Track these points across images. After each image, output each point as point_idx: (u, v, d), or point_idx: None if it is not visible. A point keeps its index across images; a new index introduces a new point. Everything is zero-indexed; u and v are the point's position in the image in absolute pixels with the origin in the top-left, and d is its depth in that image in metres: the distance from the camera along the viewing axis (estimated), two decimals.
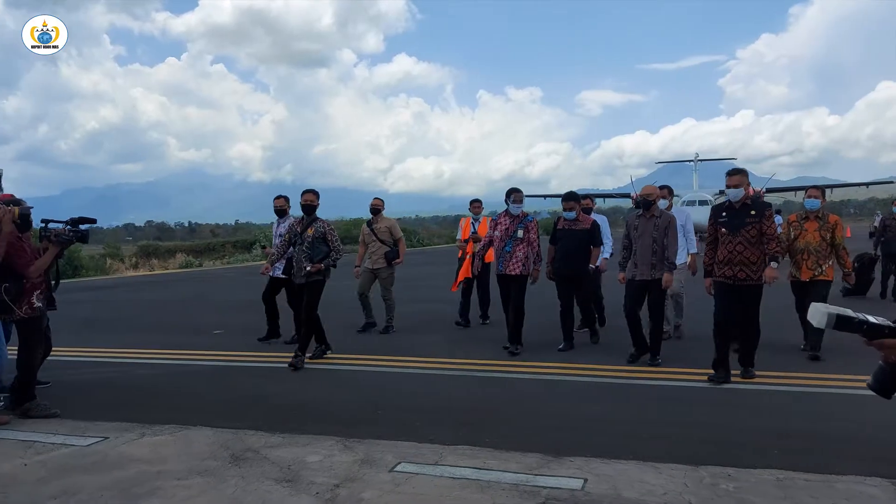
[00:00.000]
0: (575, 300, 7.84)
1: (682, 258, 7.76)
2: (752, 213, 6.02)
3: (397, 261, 9.25)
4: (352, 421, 5.00)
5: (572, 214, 7.82)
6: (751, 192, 6.33)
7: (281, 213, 8.81)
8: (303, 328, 7.20)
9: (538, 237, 7.66)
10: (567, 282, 7.73)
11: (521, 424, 4.84)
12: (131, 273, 27.66)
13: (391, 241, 9.27)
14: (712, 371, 5.97)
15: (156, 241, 41.59)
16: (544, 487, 3.63)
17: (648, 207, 6.88)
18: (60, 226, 5.46)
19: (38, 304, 5.30)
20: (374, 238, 9.25)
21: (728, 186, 6.18)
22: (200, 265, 30.90)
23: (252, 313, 10.85)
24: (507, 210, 7.73)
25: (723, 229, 6.13)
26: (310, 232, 7.18)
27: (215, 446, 4.51)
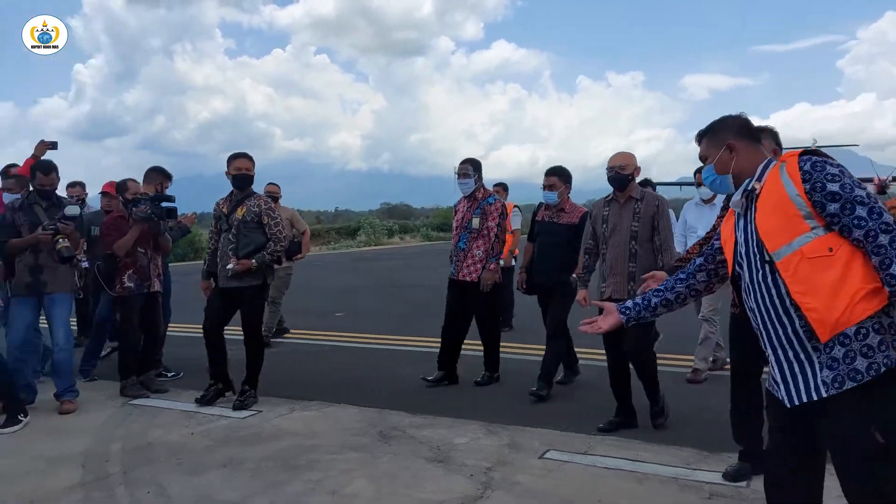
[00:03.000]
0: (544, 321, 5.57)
1: None
2: None
3: (299, 256, 7.53)
4: (488, 405, 5.04)
5: (553, 197, 5.36)
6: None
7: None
8: (247, 355, 5.24)
9: (502, 227, 5.68)
10: (540, 295, 5.60)
11: (672, 419, 4.74)
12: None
13: (292, 234, 7.37)
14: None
15: None
16: (706, 483, 3.53)
17: (623, 187, 4.56)
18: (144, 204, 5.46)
19: (129, 285, 5.50)
20: None
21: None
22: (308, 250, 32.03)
23: (368, 297, 11.17)
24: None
25: None
26: (240, 213, 5.17)
27: (363, 423, 4.65)
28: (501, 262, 6.02)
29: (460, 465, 3.86)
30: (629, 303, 2.55)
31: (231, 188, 5.26)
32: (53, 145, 5.97)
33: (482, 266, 5.55)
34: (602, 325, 2.56)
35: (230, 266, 5.02)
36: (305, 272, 17.39)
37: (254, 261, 5.05)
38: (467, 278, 5.59)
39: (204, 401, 5.09)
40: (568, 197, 5.45)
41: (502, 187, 8.43)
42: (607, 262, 4.57)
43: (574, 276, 5.05)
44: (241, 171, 5.19)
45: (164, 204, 5.62)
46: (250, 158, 5.30)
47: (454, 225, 5.87)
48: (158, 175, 5.98)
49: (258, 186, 5.68)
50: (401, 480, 3.65)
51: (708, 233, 4.01)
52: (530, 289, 5.57)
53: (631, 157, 4.63)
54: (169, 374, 6.12)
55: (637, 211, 4.52)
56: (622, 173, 4.49)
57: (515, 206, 8.53)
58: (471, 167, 5.70)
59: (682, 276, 2.53)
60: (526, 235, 5.86)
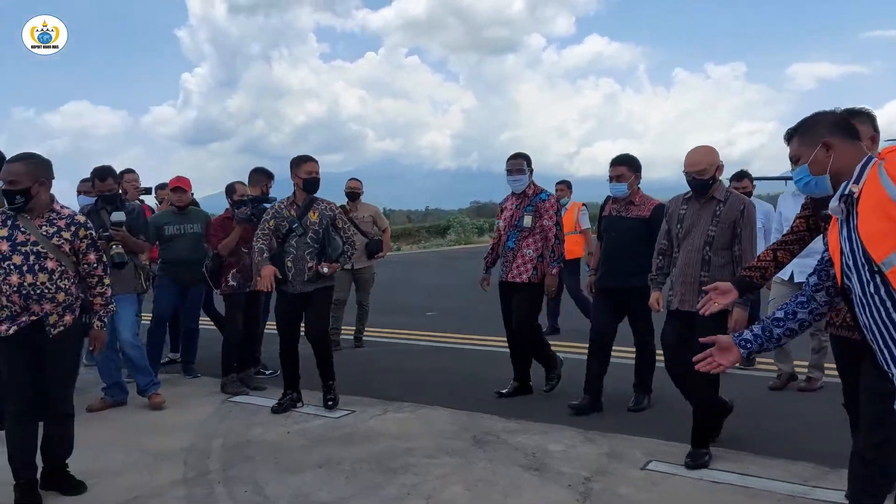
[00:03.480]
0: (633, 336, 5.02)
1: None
2: None
3: (380, 254, 7.33)
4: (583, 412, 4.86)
5: (622, 189, 4.84)
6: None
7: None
8: (317, 355, 5.21)
9: (560, 226, 5.34)
10: (610, 301, 4.92)
11: (775, 430, 4.44)
12: None
13: (374, 232, 7.34)
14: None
15: None
16: (825, 502, 3.26)
17: (704, 190, 3.99)
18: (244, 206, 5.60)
19: (233, 283, 5.62)
20: (356, 230, 7.08)
21: None
22: (399, 249, 32.37)
23: (459, 296, 11.12)
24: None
25: None
26: (313, 217, 5.11)
27: (456, 427, 4.58)
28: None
29: (557, 473, 3.73)
30: (748, 335, 2.35)
31: (294, 192, 5.16)
32: (147, 191, 6.91)
33: (532, 266, 5.22)
34: (722, 363, 2.35)
35: (325, 270, 5.01)
36: (396, 271, 17.62)
37: (340, 262, 5.18)
38: (517, 279, 5.25)
39: (280, 409, 5.05)
40: (638, 188, 4.94)
41: (566, 185, 8.21)
42: (678, 267, 4.08)
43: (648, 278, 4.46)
44: (311, 174, 5.12)
45: (265, 205, 5.69)
46: (317, 162, 5.27)
47: (500, 224, 5.51)
48: (262, 176, 6.14)
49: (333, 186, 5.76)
50: (497, 488, 3.55)
51: (785, 234, 3.41)
52: (601, 293, 5.00)
53: (709, 155, 4.00)
54: (267, 372, 6.25)
55: (717, 213, 3.97)
56: (700, 178, 3.94)
57: (583, 204, 8.29)
58: (524, 162, 5.36)
59: (801, 299, 2.31)
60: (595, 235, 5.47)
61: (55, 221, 3.48)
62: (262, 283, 4.83)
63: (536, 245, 5.24)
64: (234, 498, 3.52)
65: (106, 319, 3.74)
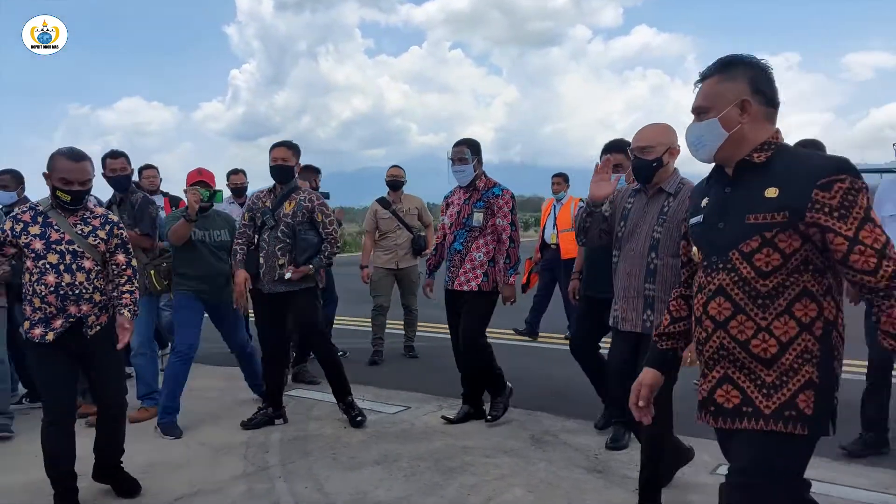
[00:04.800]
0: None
1: None
2: None
3: (426, 252, 6.40)
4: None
5: (621, 181, 3.84)
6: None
7: (239, 193, 6.68)
8: (321, 363, 4.76)
9: (516, 226, 4.54)
10: (597, 313, 4.09)
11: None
12: None
13: (418, 227, 6.72)
14: None
15: None
16: None
17: (645, 173, 3.19)
18: None
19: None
20: (399, 223, 6.57)
21: None
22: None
23: None
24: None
25: None
26: (288, 208, 4.57)
27: (513, 426, 4.51)
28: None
29: (622, 476, 3.62)
30: None
31: (273, 182, 4.67)
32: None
33: (483, 272, 4.46)
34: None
35: (287, 275, 4.44)
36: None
37: (311, 266, 4.52)
38: (464, 287, 4.48)
39: (251, 425, 4.56)
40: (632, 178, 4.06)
41: (563, 178, 7.70)
42: (619, 277, 3.29)
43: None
44: (276, 161, 4.57)
45: None
46: (290, 147, 4.65)
47: (446, 221, 4.70)
48: (311, 172, 6.14)
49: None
50: (560, 491, 3.46)
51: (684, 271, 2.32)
52: (585, 302, 4.37)
53: (662, 133, 3.17)
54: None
55: (664, 210, 3.17)
56: (642, 158, 3.16)
57: (581, 200, 7.76)
58: (468, 150, 4.51)
59: None
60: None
61: (90, 220, 3.31)
62: (236, 292, 4.49)
63: (488, 248, 4.48)
64: (295, 493, 3.50)
65: (132, 312, 3.38)
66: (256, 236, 4.55)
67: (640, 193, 3.30)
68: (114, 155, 4.80)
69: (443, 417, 4.67)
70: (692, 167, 2.83)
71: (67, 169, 3.18)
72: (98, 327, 3.30)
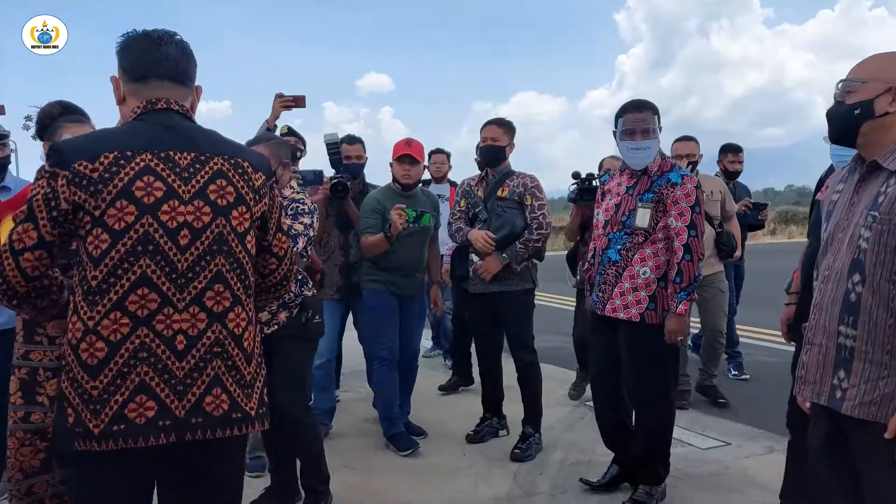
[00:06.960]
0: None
1: None
2: None
3: (736, 254, 4.94)
4: None
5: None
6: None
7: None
8: (521, 383, 4.04)
9: (697, 228, 3.10)
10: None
11: None
12: (768, 239, 26.73)
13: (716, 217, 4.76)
14: None
15: (794, 205, 39.09)
16: None
17: (849, 134, 1.91)
18: None
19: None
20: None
21: None
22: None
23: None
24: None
25: None
26: (502, 193, 3.88)
27: None
28: None
29: None
30: None
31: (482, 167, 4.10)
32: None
33: (649, 296, 3.12)
34: None
35: (476, 260, 3.84)
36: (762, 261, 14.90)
37: (504, 254, 3.77)
38: (620, 314, 3.17)
39: (476, 437, 4.12)
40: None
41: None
42: (811, 308, 2.09)
43: None
44: (486, 141, 3.93)
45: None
46: (502, 124, 3.96)
47: (600, 217, 3.36)
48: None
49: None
50: None
51: None
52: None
53: (882, 62, 1.91)
54: None
55: (879, 200, 1.86)
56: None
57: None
58: (654, 118, 3.19)
59: None
60: None
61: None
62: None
63: (658, 260, 3.14)
64: None
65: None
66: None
67: (853, 174, 2.00)
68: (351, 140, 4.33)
69: (581, 480, 3.50)
70: None
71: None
72: (276, 326, 3.04)
